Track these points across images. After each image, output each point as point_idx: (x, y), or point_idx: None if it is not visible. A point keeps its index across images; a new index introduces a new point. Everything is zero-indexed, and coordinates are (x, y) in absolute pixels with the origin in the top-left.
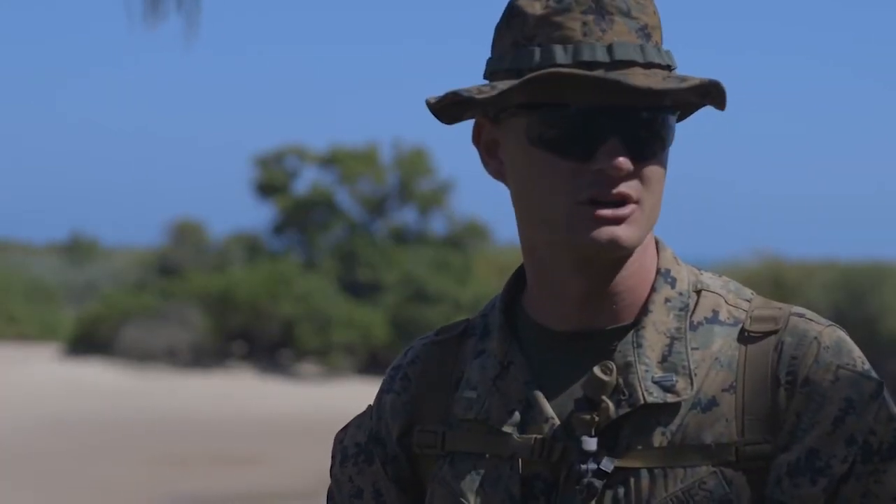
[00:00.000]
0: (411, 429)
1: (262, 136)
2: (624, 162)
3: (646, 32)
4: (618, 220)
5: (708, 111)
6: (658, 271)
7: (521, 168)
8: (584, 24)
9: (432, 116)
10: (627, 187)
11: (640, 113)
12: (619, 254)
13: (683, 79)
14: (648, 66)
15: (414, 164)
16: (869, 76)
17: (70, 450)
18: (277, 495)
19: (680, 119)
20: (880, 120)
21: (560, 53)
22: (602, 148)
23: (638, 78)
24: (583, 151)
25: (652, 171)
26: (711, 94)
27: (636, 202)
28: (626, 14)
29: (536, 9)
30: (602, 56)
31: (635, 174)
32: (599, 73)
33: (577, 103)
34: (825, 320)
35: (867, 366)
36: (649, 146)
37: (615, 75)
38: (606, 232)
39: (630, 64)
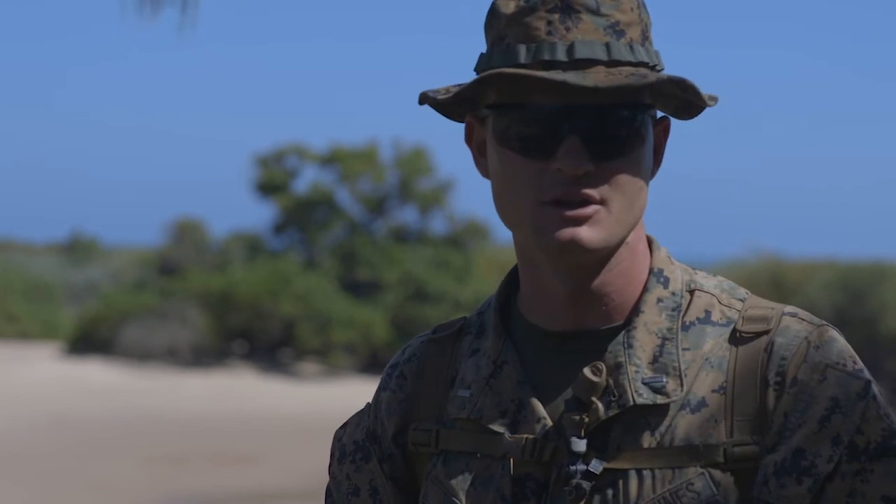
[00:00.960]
0: (407, 427)
1: (262, 134)
2: (581, 161)
3: (617, 30)
4: (579, 221)
5: (709, 111)
6: (651, 271)
7: (494, 168)
8: (549, 22)
9: (432, 116)
10: (590, 187)
11: (604, 111)
12: (584, 256)
13: (644, 76)
14: (614, 64)
15: (414, 163)
16: (869, 74)
17: (70, 449)
18: (277, 495)
19: (689, 118)
20: (879, 117)
21: (523, 53)
22: (561, 147)
23: (591, 77)
24: (543, 150)
25: (619, 170)
26: (673, 92)
27: (600, 202)
28: (594, 11)
29: (510, 8)
30: (562, 55)
31: (600, 174)
32: (553, 73)
33: (537, 102)
34: (818, 320)
35: (858, 365)
36: (612, 145)
37: (568, 75)
38: (567, 233)
39: (592, 63)
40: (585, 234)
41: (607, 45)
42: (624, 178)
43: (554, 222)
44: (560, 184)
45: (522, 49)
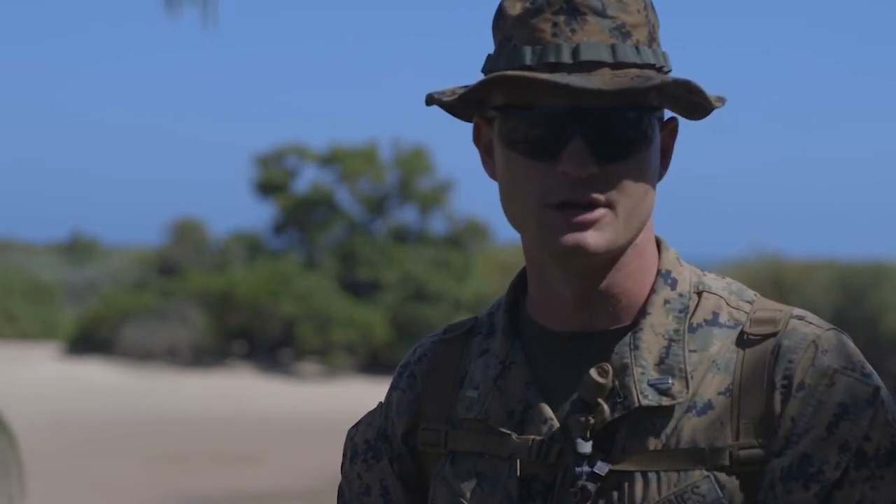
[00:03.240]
0: (416, 426)
1: (262, 135)
2: (586, 163)
3: (623, 31)
4: (585, 226)
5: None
6: (659, 272)
7: (501, 170)
8: (555, 24)
9: (432, 116)
10: (596, 190)
11: (609, 113)
12: (589, 260)
13: (648, 78)
14: (620, 66)
15: (414, 163)
16: (870, 73)
17: (70, 449)
18: (277, 495)
19: (698, 118)
20: (879, 117)
21: (528, 54)
22: (566, 150)
23: (595, 79)
24: (548, 153)
25: (625, 172)
26: (679, 94)
27: (606, 205)
28: (600, 13)
29: (516, 9)
30: (566, 57)
31: (605, 176)
32: (558, 75)
33: (543, 104)
34: (826, 323)
35: (867, 370)
36: (618, 147)
37: (572, 77)
38: (572, 238)
39: (597, 65)
40: (590, 238)
41: (612, 47)
42: (630, 181)
43: (559, 226)
44: (565, 187)
45: (528, 51)
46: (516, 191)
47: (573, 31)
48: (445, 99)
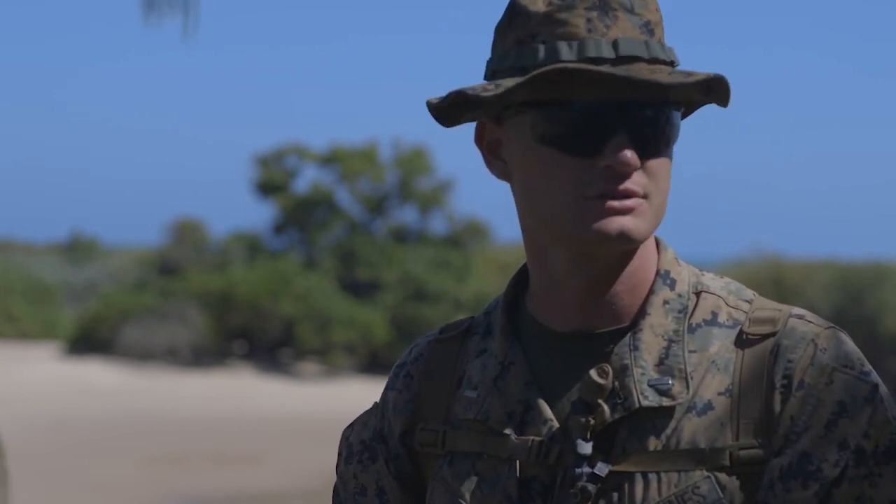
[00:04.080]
0: (414, 427)
1: (262, 134)
2: (632, 157)
3: (649, 28)
4: (626, 212)
5: (707, 108)
6: (657, 272)
7: (527, 166)
8: (589, 20)
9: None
10: (634, 183)
11: (646, 109)
12: (628, 246)
13: (689, 74)
14: (653, 61)
15: (414, 163)
16: (870, 74)
17: (70, 449)
18: (277, 495)
19: (683, 117)
20: (879, 117)
21: (565, 50)
22: (609, 143)
23: (644, 73)
24: (590, 148)
25: (658, 166)
26: (715, 89)
27: (643, 196)
28: (630, 10)
29: (539, 6)
30: (608, 52)
31: (644, 170)
32: (606, 68)
33: (583, 99)
34: (825, 322)
35: (866, 368)
36: (655, 142)
37: (622, 70)
38: (616, 223)
39: (635, 59)
40: (633, 223)
41: (646, 44)
42: (663, 175)
43: (599, 214)
44: (605, 179)
45: (563, 46)
46: (548, 186)
47: (607, 27)
48: (482, 95)
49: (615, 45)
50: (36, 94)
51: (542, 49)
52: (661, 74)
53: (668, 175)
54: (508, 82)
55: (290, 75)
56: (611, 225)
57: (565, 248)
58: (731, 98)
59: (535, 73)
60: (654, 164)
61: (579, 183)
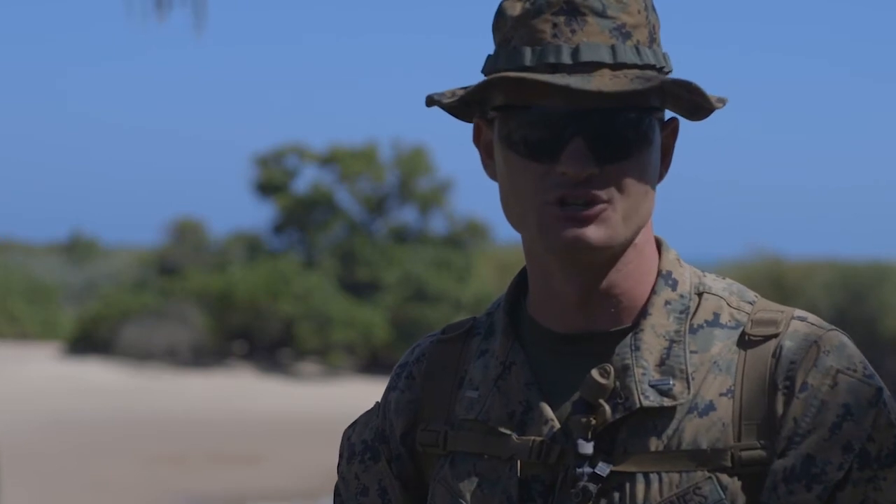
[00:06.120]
0: (415, 427)
1: (261, 134)
2: (585, 164)
3: (623, 32)
4: (585, 221)
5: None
6: (659, 273)
7: (501, 170)
8: (555, 25)
9: (432, 116)
10: (595, 189)
11: (605, 114)
12: (589, 255)
13: (648, 79)
14: (619, 66)
15: (414, 162)
16: (869, 75)
17: (70, 449)
18: (277, 495)
19: (699, 119)
20: (879, 117)
21: (528, 55)
22: (566, 150)
23: (595, 80)
24: (547, 154)
25: (622, 171)
26: (678, 95)
27: (606, 202)
28: (601, 14)
29: (516, 10)
30: (566, 58)
31: (605, 176)
32: (557, 76)
33: (540, 105)
34: (828, 324)
35: (869, 371)
36: (615, 147)
37: (572, 79)
38: (572, 233)
39: (598, 65)
40: (592, 233)
41: (613, 48)
42: (630, 181)
43: (559, 222)
44: (564, 185)
45: (528, 51)
46: (515, 191)
47: (573, 31)
48: (445, 101)
49: (576, 50)
50: (36, 94)
51: (508, 54)
52: (617, 81)
53: (641, 180)
54: (462, 90)
55: (290, 75)
56: (568, 234)
57: (545, 252)
58: (703, 109)
59: (482, 81)
60: (618, 170)
61: (540, 189)
